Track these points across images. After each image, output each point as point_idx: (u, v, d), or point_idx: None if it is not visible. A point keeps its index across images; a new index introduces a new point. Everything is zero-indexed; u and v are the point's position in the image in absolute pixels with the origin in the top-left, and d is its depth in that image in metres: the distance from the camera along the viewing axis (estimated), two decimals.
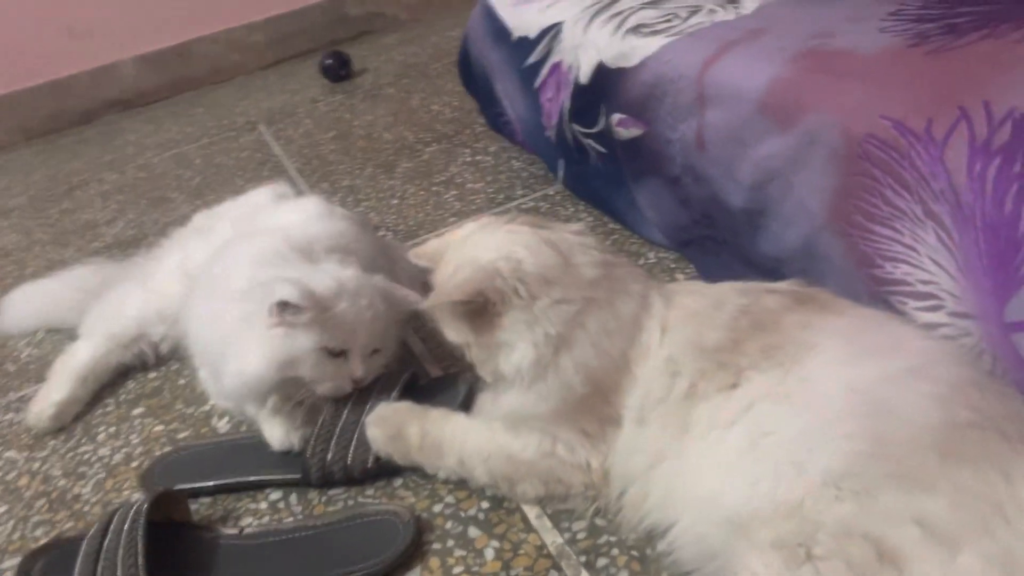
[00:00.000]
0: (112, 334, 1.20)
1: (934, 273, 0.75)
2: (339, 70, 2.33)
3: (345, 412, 0.93)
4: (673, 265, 1.17)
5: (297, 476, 0.92)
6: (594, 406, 0.80)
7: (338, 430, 0.91)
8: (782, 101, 0.87)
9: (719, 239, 1.07)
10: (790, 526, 0.63)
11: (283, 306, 0.89)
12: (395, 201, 1.56)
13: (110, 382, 1.21)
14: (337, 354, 0.92)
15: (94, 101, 2.50)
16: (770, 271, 0.96)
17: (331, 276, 0.95)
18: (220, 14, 2.56)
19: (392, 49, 2.53)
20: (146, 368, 1.22)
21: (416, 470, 0.90)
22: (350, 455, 0.90)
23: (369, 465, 0.90)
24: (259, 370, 0.91)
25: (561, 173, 1.40)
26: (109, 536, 0.83)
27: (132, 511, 0.84)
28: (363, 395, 0.95)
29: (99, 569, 0.80)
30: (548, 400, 0.80)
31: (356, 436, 0.90)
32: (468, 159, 1.66)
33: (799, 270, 0.90)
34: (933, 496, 0.60)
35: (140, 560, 0.79)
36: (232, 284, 0.98)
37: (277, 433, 0.95)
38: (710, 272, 1.09)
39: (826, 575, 0.60)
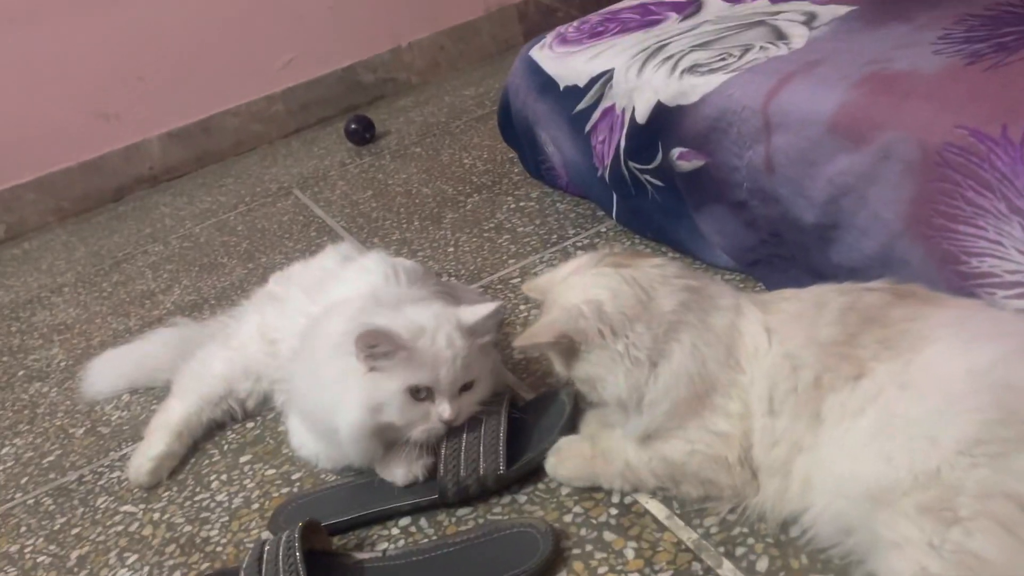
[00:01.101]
0: (202, 392, 1.26)
1: (1021, 263, 0.83)
2: (364, 133, 2.42)
3: (464, 433, 0.99)
4: (741, 285, 1.24)
5: (433, 497, 0.97)
6: (714, 404, 0.86)
7: (463, 447, 0.97)
8: (853, 122, 0.96)
9: (787, 256, 1.15)
10: (931, 494, 0.70)
11: (363, 345, 0.94)
12: (451, 249, 1.64)
13: (205, 436, 1.26)
14: (424, 397, 0.97)
15: (125, 179, 2.57)
16: (842, 281, 1.03)
17: (409, 318, 0.99)
18: (240, 88, 2.66)
19: (409, 111, 2.63)
20: (240, 420, 1.27)
21: (539, 483, 0.96)
22: (481, 466, 0.95)
23: (501, 471, 0.95)
24: (356, 418, 0.97)
25: (615, 210, 1.48)
26: (265, 567, 0.87)
27: (284, 540, 0.89)
28: (475, 415, 1.00)
29: None
30: (659, 406, 0.87)
31: (482, 449, 0.96)
32: (512, 205, 1.74)
33: (875, 277, 0.98)
34: None
35: None
36: (327, 346, 1.03)
37: (399, 471, 1.00)
38: (780, 288, 1.16)
39: (976, 532, 0.66)
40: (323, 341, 1.05)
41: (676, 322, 0.87)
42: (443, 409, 0.96)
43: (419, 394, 0.96)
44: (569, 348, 0.89)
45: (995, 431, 0.69)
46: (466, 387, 0.99)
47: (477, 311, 1.01)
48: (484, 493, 0.97)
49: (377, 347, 0.94)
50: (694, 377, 0.86)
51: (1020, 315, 0.82)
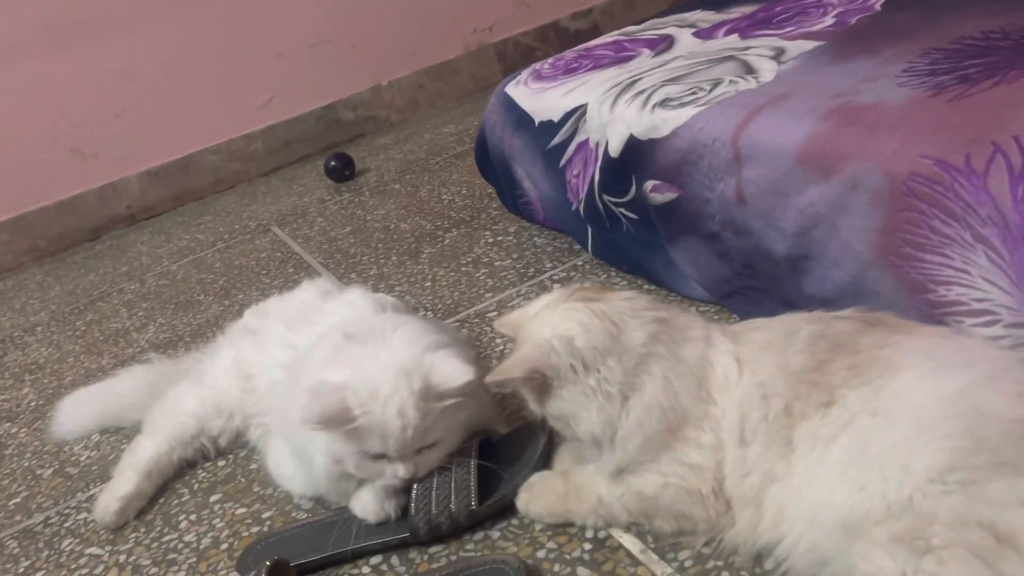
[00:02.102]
0: (173, 431, 1.24)
1: (988, 291, 0.83)
2: (343, 170, 2.42)
3: (435, 475, 0.97)
4: (716, 317, 1.24)
5: (404, 535, 0.95)
6: (686, 436, 0.86)
7: (435, 485, 0.95)
8: (821, 153, 0.97)
9: (761, 288, 1.16)
10: (904, 523, 0.69)
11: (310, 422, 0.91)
12: (428, 283, 1.63)
13: (175, 476, 1.24)
14: (381, 456, 0.94)
15: (101, 218, 2.56)
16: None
17: (368, 377, 0.93)
18: (219, 127, 2.66)
19: (389, 148, 2.64)
20: (211, 458, 1.25)
21: (512, 519, 0.95)
22: (453, 503, 0.94)
23: (473, 506, 0.94)
24: (322, 464, 0.97)
25: (590, 244, 1.48)
26: None
27: None
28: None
29: None
30: (632, 440, 0.86)
31: (453, 486, 0.95)
32: (490, 240, 1.74)
33: (847, 306, 0.98)
34: None
35: None
36: (301, 383, 1.00)
37: (371, 507, 0.98)
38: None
39: (949, 561, 0.66)
40: (299, 380, 1.03)
41: (647, 355, 0.86)
42: (397, 469, 0.94)
43: (375, 455, 0.94)
44: (542, 385, 0.88)
45: (966, 458, 0.69)
46: (430, 445, 0.96)
47: (451, 378, 0.94)
48: (456, 530, 0.96)
49: (327, 422, 0.92)
50: (666, 410, 0.85)
51: (988, 342, 0.82)
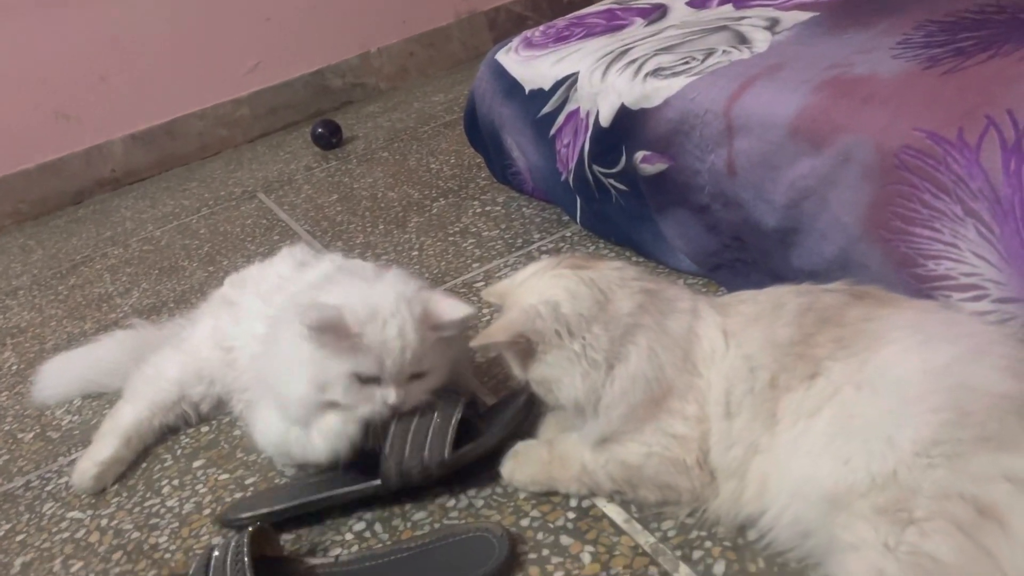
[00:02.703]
0: (154, 397, 1.23)
1: (976, 265, 0.83)
2: (331, 137, 2.39)
3: (415, 419, 0.97)
4: (704, 289, 1.24)
5: (375, 484, 0.95)
6: (671, 408, 0.85)
7: (411, 435, 0.95)
8: (813, 125, 0.96)
9: (749, 260, 1.15)
10: (888, 495, 0.69)
11: (310, 328, 0.93)
12: (415, 253, 1.62)
13: (157, 440, 1.23)
14: (371, 381, 0.95)
15: (85, 181, 2.53)
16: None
17: (366, 301, 0.96)
18: (205, 91, 2.63)
19: (377, 116, 2.61)
20: (194, 424, 1.24)
21: (496, 487, 0.95)
22: (426, 454, 0.94)
23: (446, 457, 0.93)
24: (303, 393, 0.97)
25: (579, 215, 1.47)
26: (212, 572, 0.85)
27: (232, 545, 0.86)
28: (430, 407, 0.98)
29: None
30: (615, 409, 0.86)
31: (430, 436, 0.95)
32: (478, 210, 1.73)
33: (835, 280, 0.98)
34: (1019, 454, 0.67)
35: None
36: (287, 315, 1.01)
37: (332, 432, 0.96)
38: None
39: (931, 533, 0.66)
40: (286, 312, 1.04)
41: (633, 325, 0.86)
42: (387, 394, 0.95)
43: (365, 378, 0.95)
44: (526, 349, 0.88)
45: (951, 432, 0.69)
46: (418, 375, 0.97)
47: (451, 310, 0.99)
48: (428, 480, 0.95)
49: (324, 332, 0.93)
50: (651, 381, 0.85)
51: (975, 317, 0.82)
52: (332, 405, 0.97)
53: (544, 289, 0.89)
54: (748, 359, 0.82)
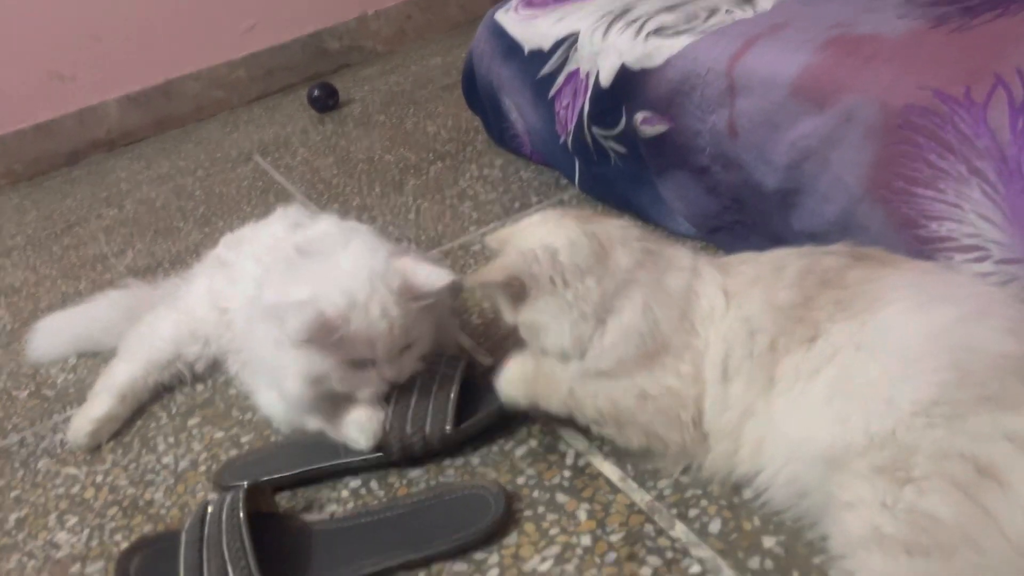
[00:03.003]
0: (149, 355, 1.22)
1: (979, 226, 0.82)
2: (327, 100, 2.37)
3: (415, 391, 0.96)
4: (703, 252, 1.22)
5: (377, 455, 0.95)
6: (664, 364, 0.85)
7: (412, 405, 0.95)
8: (816, 84, 0.95)
9: (748, 223, 1.14)
10: (886, 454, 0.69)
11: (297, 340, 0.89)
12: (411, 215, 1.61)
13: (152, 399, 1.23)
14: (364, 362, 0.94)
15: (80, 142, 2.50)
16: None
17: (340, 287, 0.92)
18: (201, 52, 2.59)
19: (375, 79, 2.59)
20: (189, 383, 1.24)
21: (492, 445, 0.95)
22: (427, 426, 0.93)
23: (448, 431, 0.93)
24: (297, 390, 0.95)
25: (577, 177, 1.46)
26: (208, 526, 0.85)
27: (228, 500, 0.86)
28: (430, 375, 0.98)
29: (205, 556, 0.82)
30: (603, 360, 0.85)
31: (431, 408, 0.94)
32: (476, 173, 1.71)
33: (835, 242, 0.97)
34: (1019, 413, 0.66)
35: (247, 544, 0.82)
36: (263, 303, 0.97)
37: (368, 425, 0.94)
38: None
39: (929, 492, 0.66)
40: (261, 300, 0.99)
41: (629, 280, 0.85)
42: (384, 372, 0.94)
43: (358, 363, 0.94)
44: (519, 292, 0.87)
45: (951, 392, 0.69)
46: (407, 346, 0.96)
47: (431, 280, 0.95)
48: (429, 453, 0.95)
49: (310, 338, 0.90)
50: (644, 336, 0.84)
51: (977, 278, 0.81)
52: (331, 395, 0.96)
53: (545, 236, 0.89)
54: (747, 321, 0.81)
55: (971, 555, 0.63)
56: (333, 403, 0.97)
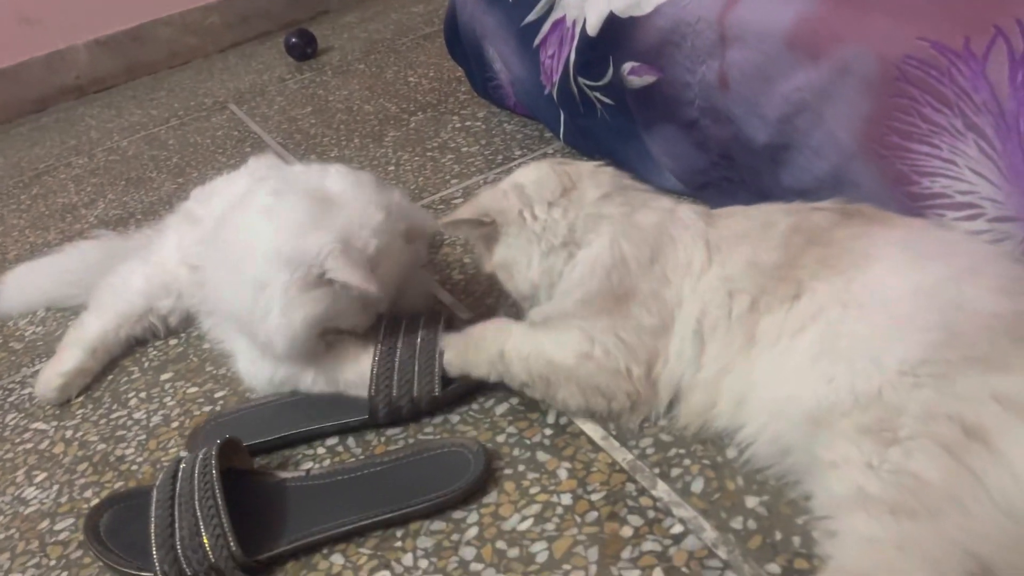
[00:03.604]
0: (120, 309, 1.19)
1: (974, 183, 0.80)
2: (305, 48, 2.31)
3: (399, 349, 0.94)
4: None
5: (363, 418, 0.93)
6: (628, 313, 0.83)
7: (396, 366, 0.92)
8: (811, 35, 0.91)
9: (737, 179, 1.12)
10: (872, 414, 0.67)
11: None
12: (391, 167, 1.57)
13: (124, 353, 1.20)
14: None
15: (48, 88, 2.43)
16: None
17: (369, 229, 0.91)
18: None
19: (354, 27, 2.52)
20: (162, 337, 1.21)
21: (473, 403, 0.94)
22: (415, 387, 0.91)
23: (437, 393, 0.91)
24: (299, 333, 0.91)
25: (562, 130, 1.43)
26: (179, 483, 0.83)
27: (201, 456, 0.84)
28: (411, 332, 0.96)
29: (176, 513, 0.80)
30: (571, 295, 0.85)
31: (416, 369, 0.92)
32: (458, 125, 1.67)
33: (825, 199, 0.95)
34: (1008, 374, 0.65)
35: (219, 501, 0.79)
36: (263, 250, 0.92)
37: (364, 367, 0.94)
38: None
39: (915, 452, 0.64)
40: (254, 255, 0.93)
41: (597, 214, 0.87)
42: (381, 306, 0.96)
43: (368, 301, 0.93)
44: (492, 234, 0.90)
45: (940, 352, 0.67)
46: None
47: (427, 220, 1.04)
48: (416, 416, 0.93)
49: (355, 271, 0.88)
50: (610, 270, 0.84)
51: (970, 236, 0.80)
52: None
53: (517, 175, 0.93)
54: (728, 281, 0.80)
55: (957, 517, 0.62)
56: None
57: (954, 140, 0.80)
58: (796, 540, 0.71)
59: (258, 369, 1.01)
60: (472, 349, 0.90)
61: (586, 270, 0.85)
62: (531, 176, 0.91)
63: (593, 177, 0.91)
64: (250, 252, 0.93)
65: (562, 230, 0.87)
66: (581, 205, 0.88)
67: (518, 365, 0.86)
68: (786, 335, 0.76)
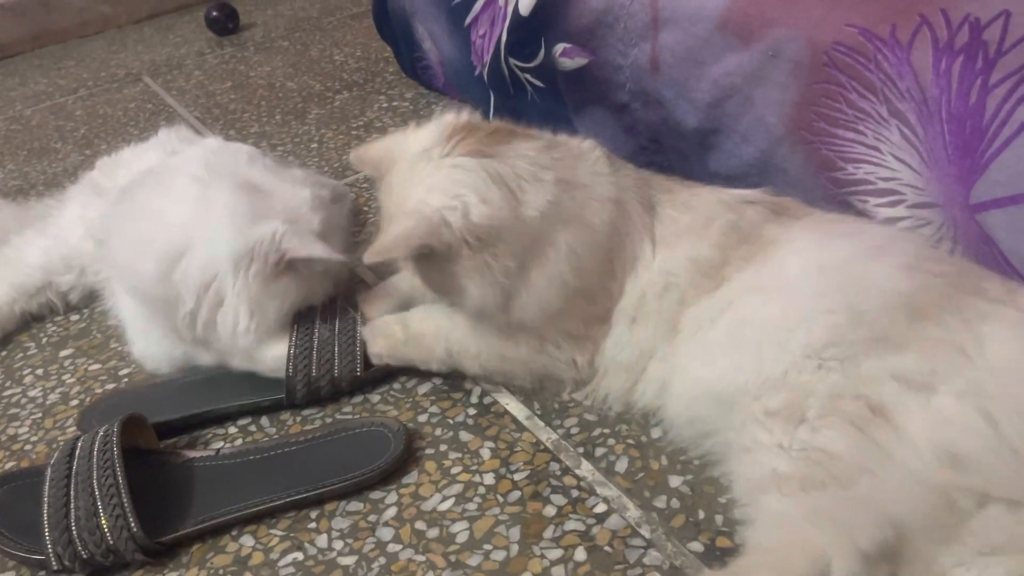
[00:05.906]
0: (14, 281, 1.12)
1: (896, 169, 0.81)
2: (226, 23, 2.23)
3: (317, 329, 0.90)
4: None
5: (279, 397, 0.89)
6: (576, 310, 0.82)
7: (315, 345, 0.89)
8: (744, 18, 0.92)
9: (665, 164, 1.11)
10: (780, 398, 0.68)
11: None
12: (314, 145, 1.52)
13: (19, 329, 1.13)
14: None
15: None
16: None
17: (306, 205, 0.93)
18: None
19: (278, 3, 2.45)
20: (62, 313, 1.14)
21: (394, 383, 0.91)
22: (336, 367, 0.88)
23: (358, 373, 0.88)
24: (274, 316, 0.88)
25: (492, 112, 1.40)
26: (76, 461, 0.77)
27: (100, 434, 0.79)
28: (327, 312, 0.93)
29: (72, 493, 0.75)
30: (528, 312, 0.81)
31: (337, 348, 0.88)
32: (384, 105, 1.64)
33: (751, 185, 0.95)
34: (904, 353, 0.65)
35: (120, 480, 0.75)
36: (218, 249, 0.86)
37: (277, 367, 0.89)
38: None
39: (823, 429, 0.65)
40: (193, 254, 0.87)
41: (548, 228, 0.78)
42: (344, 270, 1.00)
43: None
44: (426, 257, 0.78)
45: (843, 334, 0.68)
46: None
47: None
48: (335, 395, 0.90)
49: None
50: (568, 284, 0.80)
51: (884, 224, 0.81)
52: None
53: (447, 187, 0.77)
54: (666, 275, 0.80)
55: (867, 484, 0.62)
56: None
57: (878, 126, 0.81)
58: (719, 519, 0.71)
59: (158, 351, 0.97)
60: (412, 346, 0.87)
61: (543, 285, 0.79)
62: (470, 195, 0.76)
63: (535, 181, 0.79)
64: (183, 248, 0.87)
65: (516, 252, 0.77)
66: (531, 223, 0.77)
67: (470, 362, 0.85)
68: (704, 325, 0.76)
